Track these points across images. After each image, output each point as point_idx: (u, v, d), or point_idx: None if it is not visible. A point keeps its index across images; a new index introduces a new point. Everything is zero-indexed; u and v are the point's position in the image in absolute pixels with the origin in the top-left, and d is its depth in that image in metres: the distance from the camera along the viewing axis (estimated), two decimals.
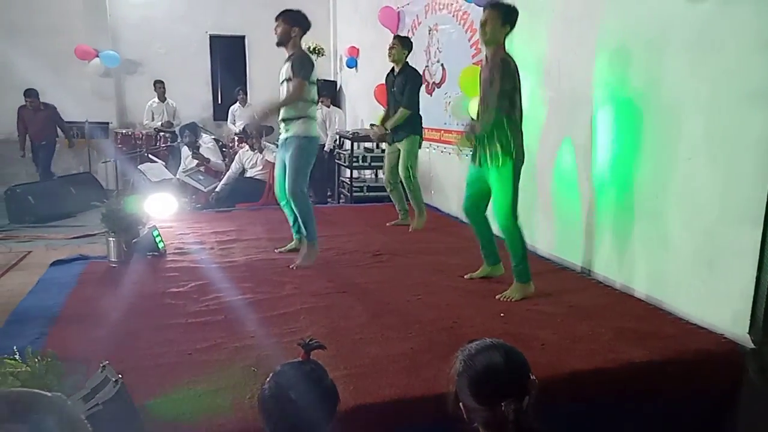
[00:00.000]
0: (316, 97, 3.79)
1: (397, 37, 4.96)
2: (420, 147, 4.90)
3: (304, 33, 3.70)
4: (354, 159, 6.73)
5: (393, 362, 2.25)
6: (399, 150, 4.84)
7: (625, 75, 3.25)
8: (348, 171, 7.00)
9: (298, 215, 3.74)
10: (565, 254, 3.84)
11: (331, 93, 8.61)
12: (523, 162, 3.11)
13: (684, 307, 2.85)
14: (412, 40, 4.95)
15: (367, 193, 6.71)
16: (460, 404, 1.36)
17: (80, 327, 2.72)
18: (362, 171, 7.24)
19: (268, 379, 1.36)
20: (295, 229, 3.99)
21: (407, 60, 4.78)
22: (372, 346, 2.40)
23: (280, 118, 3.73)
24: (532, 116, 4.05)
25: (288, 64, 3.64)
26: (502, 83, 2.94)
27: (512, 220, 3.10)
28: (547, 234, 3.97)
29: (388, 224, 5.03)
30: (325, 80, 8.50)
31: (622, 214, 3.29)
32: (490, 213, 3.30)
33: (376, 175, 7.39)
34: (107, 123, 8.63)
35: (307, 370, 1.37)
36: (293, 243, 4.01)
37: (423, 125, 4.90)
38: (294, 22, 3.62)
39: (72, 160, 8.75)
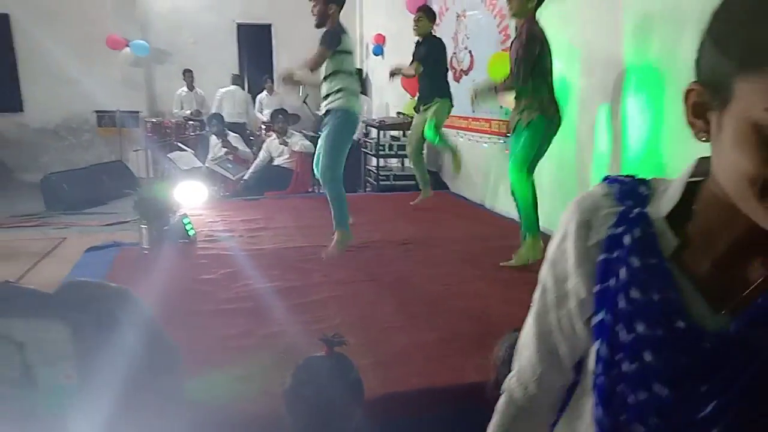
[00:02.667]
0: (354, 68, 3.74)
1: (421, 8, 4.95)
2: (449, 113, 4.89)
3: (341, 9, 3.61)
4: (380, 147, 6.71)
5: (420, 351, 2.26)
6: (426, 118, 4.82)
7: (653, 54, 3.20)
8: (374, 159, 6.99)
9: (328, 199, 3.68)
10: None
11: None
12: (556, 126, 3.21)
13: None
14: (438, 25, 4.97)
15: (393, 182, 6.70)
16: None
17: None
18: (388, 159, 7.22)
19: (291, 373, 1.36)
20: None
21: (431, 32, 4.83)
22: (400, 335, 2.40)
23: (322, 93, 3.68)
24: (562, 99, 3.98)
25: None
26: (528, 52, 3.06)
27: (525, 174, 3.23)
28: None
29: (411, 203, 5.11)
30: None
31: None
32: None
33: (403, 163, 7.37)
34: (137, 112, 8.77)
35: (330, 365, 1.37)
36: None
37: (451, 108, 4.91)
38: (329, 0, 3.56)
39: (104, 149, 8.94)
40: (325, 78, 3.59)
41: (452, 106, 4.89)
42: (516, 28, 3.26)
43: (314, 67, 3.53)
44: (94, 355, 0.93)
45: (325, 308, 2.70)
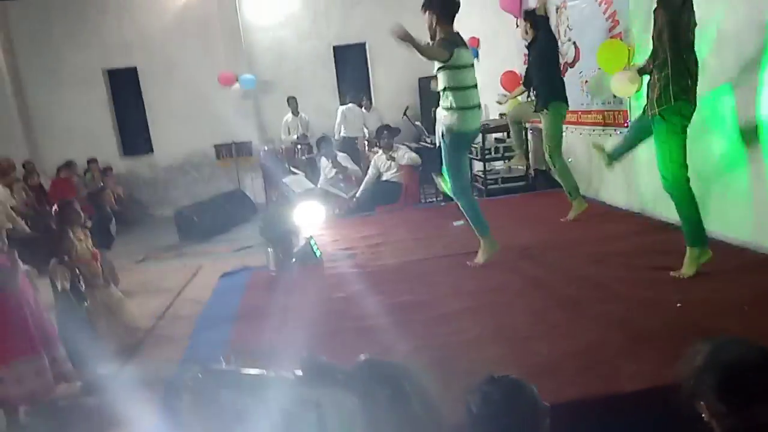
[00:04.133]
0: (473, 82, 3.54)
1: (524, 12, 4.79)
2: (564, 116, 4.61)
3: (449, 19, 3.49)
4: (486, 151, 6.63)
5: (567, 360, 2.19)
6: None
7: None
8: (480, 164, 6.92)
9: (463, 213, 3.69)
10: (739, 232, 3.45)
11: None
12: (691, 110, 2.91)
13: None
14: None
15: (501, 185, 6.59)
16: (701, 403, 1.26)
17: (259, 332, 2.94)
18: (493, 163, 7.11)
19: (474, 389, 1.34)
20: None
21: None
22: (542, 344, 2.35)
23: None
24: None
25: None
26: (666, 15, 2.80)
27: (679, 173, 2.90)
28: (717, 209, 3.58)
29: (562, 220, 4.55)
30: None
31: None
32: None
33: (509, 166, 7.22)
34: (250, 141, 9.35)
35: (523, 394, 1.36)
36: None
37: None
38: (433, 8, 3.47)
39: (223, 179, 9.61)
40: (441, 92, 3.55)
41: (566, 109, 4.62)
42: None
43: (430, 53, 3.41)
44: (384, 424, 1.08)
45: (460, 320, 2.70)
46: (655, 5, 2.92)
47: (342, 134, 8.56)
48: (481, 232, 3.58)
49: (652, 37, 2.99)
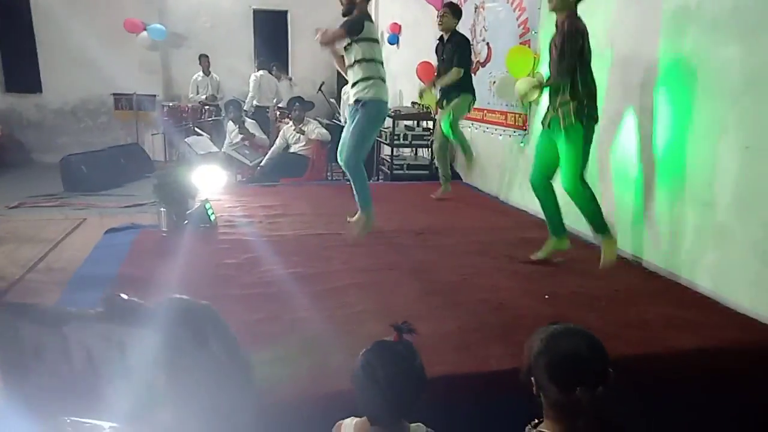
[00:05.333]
0: (381, 57, 3.70)
1: (447, 5, 4.93)
2: (470, 109, 4.94)
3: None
4: (395, 137, 6.74)
5: (444, 340, 2.31)
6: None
7: (684, 50, 3.15)
8: (387, 148, 7.02)
9: (352, 184, 3.77)
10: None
11: None
12: (593, 125, 3.15)
13: (733, 298, 2.82)
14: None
15: (407, 171, 6.73)
16: (532, 379, 1.42)
17: (139, 293, 2.84)
18: (401, 149, 7.25)
19: (361, 355, 1.44)
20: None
21: (456, 28, 4.81)
22: (422, 324, 2.41)
23: (350, 82, 3.71)
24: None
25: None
26: (570, 49, 3.00)
27: (580, 182, 3.15)
28: None
29: (432, 195, 5.10)
30: None
31: (675, 200, 3.24)
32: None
33: (416, 153, 7.40)
34: (154, 95, 8.83)
35: (399, 350, 1.46)
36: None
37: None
38: None
39: (120, 131, 9.02)
40: (351, 66, 3.60)
41: (474, 100, 4.90)
42: (556, 24, 3.15)
43: (326, 42, 3.51)
44: (183, 362, 1.08)
45: (347, 295, 2.76)
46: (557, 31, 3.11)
47: (254, 102, 8.33)
48: (363, 204, 3.76)
49: (552, 56, 3.18)
